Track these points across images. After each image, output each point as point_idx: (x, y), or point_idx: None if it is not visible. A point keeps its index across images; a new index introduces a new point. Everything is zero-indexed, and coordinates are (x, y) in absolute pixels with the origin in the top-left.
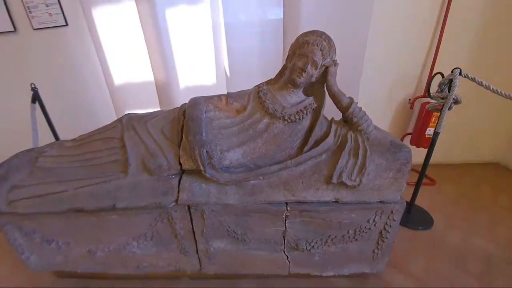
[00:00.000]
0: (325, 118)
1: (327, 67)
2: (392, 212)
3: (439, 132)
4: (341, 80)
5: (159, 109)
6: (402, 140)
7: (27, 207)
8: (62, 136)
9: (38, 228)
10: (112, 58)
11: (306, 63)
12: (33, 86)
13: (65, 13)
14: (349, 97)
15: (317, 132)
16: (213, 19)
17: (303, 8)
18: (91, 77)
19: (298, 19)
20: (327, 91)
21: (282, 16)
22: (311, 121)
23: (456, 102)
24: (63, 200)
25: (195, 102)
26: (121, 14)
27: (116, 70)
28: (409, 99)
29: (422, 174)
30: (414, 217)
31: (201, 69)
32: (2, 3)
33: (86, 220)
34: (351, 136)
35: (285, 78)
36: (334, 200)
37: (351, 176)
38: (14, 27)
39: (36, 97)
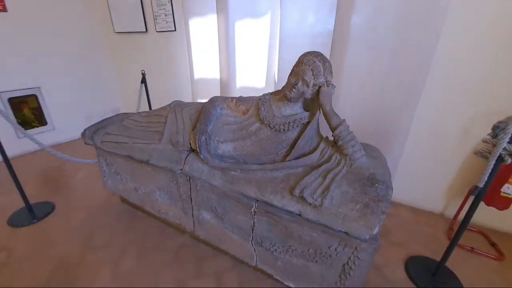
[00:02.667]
0: (320, 135)
1: (320, 87)
2: (356, 248)
3: (479, 187)
4: (395, 101)
5: None
6: (469, 193)
7: (109, 147)
8: (154, 107)
9: (113, 163)
10: (196, 57)
11: (297, 81)
12: (143, 71)
13: (175, 22)
14: (340, 118)
15: (301, 145)
16: (271, 30)
17: (354, 21)
18: (182, 70)
19: (348, 32)
20: (321, 109)
21: (332, 28)
22: (298, 134)
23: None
24: (125, 148)
25: (213, 100)
26: (206, 24)
27: (197, 67)
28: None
29: (459, 232)
30: (438, 282)
31: (255, 73)
32: (141, 12)
33: (134, 165)
34: (336, 158)
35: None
36: (297, 213)
37: (313, 195)
38: (146, 29)
39: (143, 80)
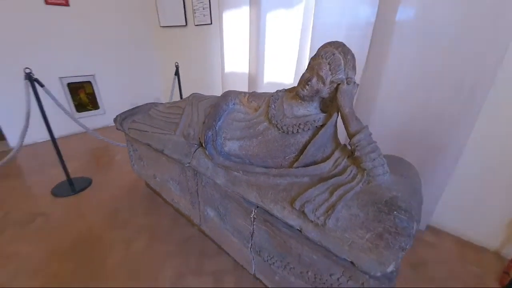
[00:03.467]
0: (337, 142)
1: (338, 84)
2: (363, 284)
3: None
4: (449, 109)
5: None
6: None
7: (133, 134)
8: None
9: (138, 149)
10: (227, 50)
11: (311, 77)
12: (176, 64)
13: (211, 15)
14: (362, 124)
15: (311, 152)
16: (304, 22)
17: (401, 11)
18: (215, 63)
19: (393, 23)
20: (339, 111)
21: (374, 19)
22: (309, 138)
23: None
24: (145, 136)
25: (225, 95)
26: (240, 16)
27: (228, 60)
28: None
29: None
30: None
31: (283, 68)
32: (182, 6)
33: (153, 154)
34: (352, 171)
35: None
36: (298, 228)
37: (315, 211)
38: (186, 23)
39: (177, 71)
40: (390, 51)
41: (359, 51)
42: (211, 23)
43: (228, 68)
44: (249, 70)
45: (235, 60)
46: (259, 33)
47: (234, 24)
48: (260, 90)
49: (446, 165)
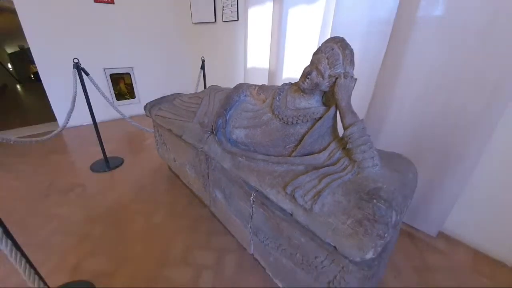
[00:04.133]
0: (335, 134)
1: (337, 78)
2: (343, 268)
3: None
4: (470, 110)
5: None
6: None
7: (159, 121)
8: None
9: (162, 134)
10: (251, 46)
11: (311, 70)
12: (202, 58)
13: (238, 11)
14: (356, 117)
15: (308, 142)
16: (325, 18)
17: (423, 5)
18: (239, 58)
19: (414, 18)
20: (336, 105)
21: (394, 16)
22: (307, 129)
23: None
24: (168, 123)
25: (237, 87)
26: (264, 13)
27: (251, 55)
28: None
29: None
30: None
31: (303, 64)
32: (212, 3)
33: (174, 139)
34: (344, 162)
35: None
36: (289, 212)
37: (304, 196)
38: (215, 19)
39: (202, 65)
40: (409, 49)
41: (379, 48)
42: (238, 20)
43: (250, 63)
44: (269, 66)
45: (257, 56)
46: (281, 29)
47: (258, 20)
48: (279, 83)
49: (462, 172)
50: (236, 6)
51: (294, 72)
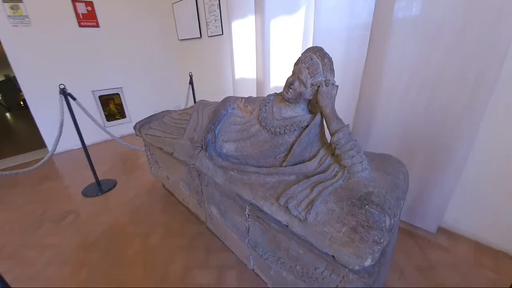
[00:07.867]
0: (323, 141)
1: (319, 86)
2: (344, 278)
3: None
4: (453, 105)
5: None
6: None
7: (149, 139)
8: None
9: (154, 152)
10: (237, 58)
11: (294, 80)
12: (190, 73)
13: (222, 26)
14: (342, 123)
15: (298, 151)
16: (305, 26)
17: (399, 6)
18: (227, 71)
19: (390, 19)
20: (321, 112)
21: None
22: (296, 138)
23: None
24: (159, 141)
25: (224, 100)
26: (247, 25)
27: (238, 67)
28: None
29: None
30: None
31: (288, 72)
32: (197, 20)
33: (166, 157)
34: (334, 169)
35: None
36: (285, 224)
37: (298, 207)
38: (200, 35)
39: (191, 81)
40: (390, 51)
41: (361, 52)
42: (222, 34)
43: (238, 75)
44: (256, 76)
45: (244, 67)
46: (264, 39)
47: (242, 32)
48: (267, 92)
49: (454, 165)
50: (219, 21)
51: (281, 81)
